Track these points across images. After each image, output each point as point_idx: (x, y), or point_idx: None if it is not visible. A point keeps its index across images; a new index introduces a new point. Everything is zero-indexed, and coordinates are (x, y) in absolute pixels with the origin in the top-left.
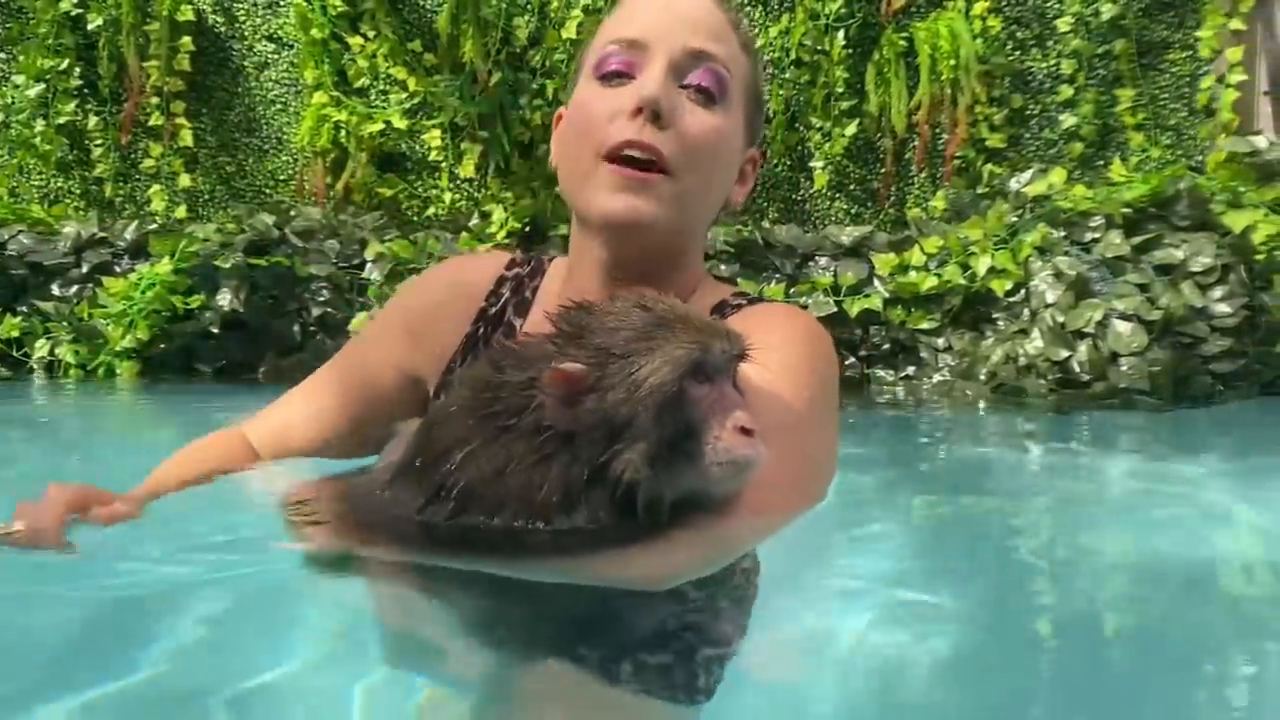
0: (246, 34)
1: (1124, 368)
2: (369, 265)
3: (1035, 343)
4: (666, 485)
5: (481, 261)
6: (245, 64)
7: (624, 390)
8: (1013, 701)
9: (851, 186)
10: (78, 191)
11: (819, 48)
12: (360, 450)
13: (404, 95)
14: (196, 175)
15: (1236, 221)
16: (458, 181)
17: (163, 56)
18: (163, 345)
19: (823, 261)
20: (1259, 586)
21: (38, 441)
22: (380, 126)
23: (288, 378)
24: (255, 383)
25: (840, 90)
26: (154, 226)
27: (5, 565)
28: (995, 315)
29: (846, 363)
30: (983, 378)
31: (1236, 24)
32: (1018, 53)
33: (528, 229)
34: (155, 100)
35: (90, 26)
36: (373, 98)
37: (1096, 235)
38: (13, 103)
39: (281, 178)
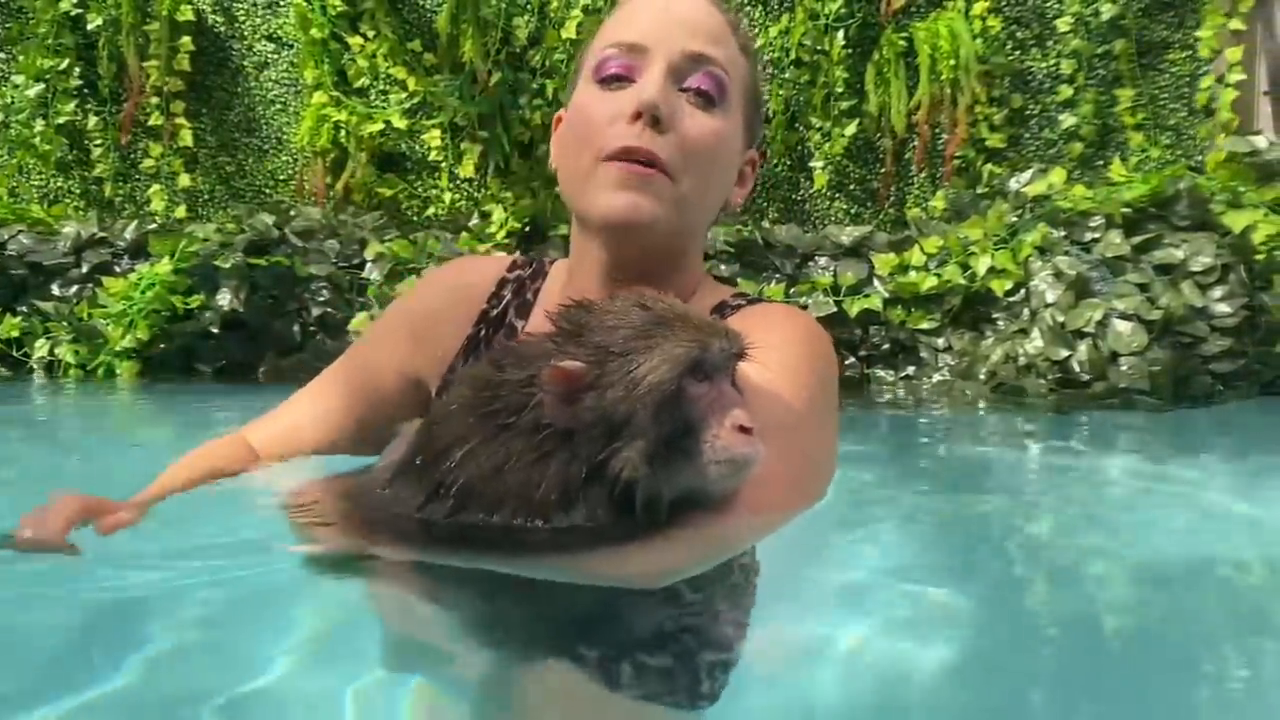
0: (246, 34)
1: (1124, 367)
2: (369, 265)
3: (1035, 342)
4: (665, 483)
5: (483, 264)
6: (245, 64)
7: (623, 388)
8: (1013, 701)
9: (851, 186)
10: (77, 191)
11: (819, 48)
12: (365, 449)
13: (404, 95)
14: (196, 175)
15: (1236, 221)
16: (458, 181)
17: (162, 56)
18: (163, 345)
19: (823, 261)
20: (1259, 586)
21: (37, 441)
22: (380, 126)
23: (288, 378)
24: (255, 383)
25: (840, 90)
26: (154, 226)
27: (2, 567)
28: (995, 315)
29: (846, 363)
30: (983, 377)
31: (1236, 24)
32: (1017, 53)
33: (528, 229)
34: (155, 100)
35: (90, 26)
36: (373, 98)
37: (1096, 235)
38: (12, 103)
39: (281, 178)
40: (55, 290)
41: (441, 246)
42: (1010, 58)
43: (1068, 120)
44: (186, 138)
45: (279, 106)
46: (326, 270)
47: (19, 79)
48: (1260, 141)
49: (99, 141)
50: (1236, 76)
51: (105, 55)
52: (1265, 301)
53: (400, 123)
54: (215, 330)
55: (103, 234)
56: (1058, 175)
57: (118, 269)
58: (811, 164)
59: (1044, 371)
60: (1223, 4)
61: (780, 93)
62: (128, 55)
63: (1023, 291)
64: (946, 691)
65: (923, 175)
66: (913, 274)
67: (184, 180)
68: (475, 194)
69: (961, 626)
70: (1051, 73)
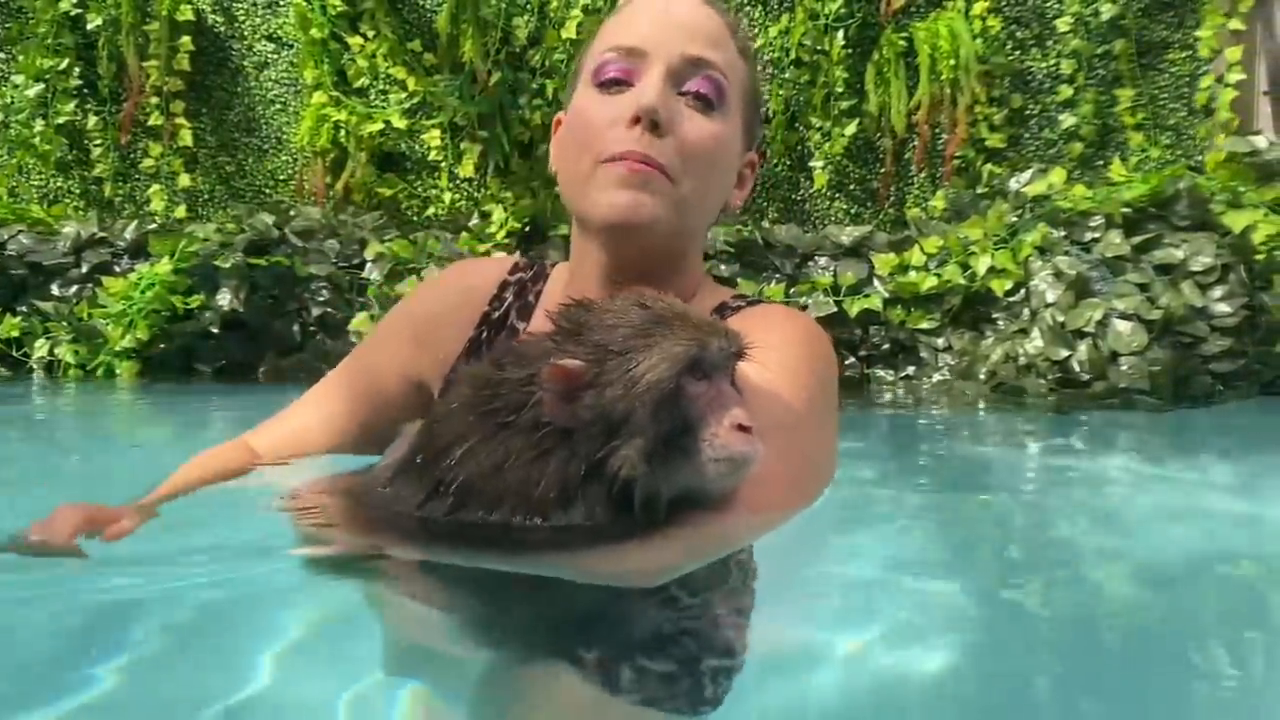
0: (246, 34)
1: (1124, 367)
2: (369, 265)
3: (1035, 342)
4: (663, 481)
5: (485, 266)
6: (245, 64)
7: (622, 386)
8: (1013, 701)
9: (851, 186)
10: (77, 191)
11: (819, 48)
12: (369, 450)
13: (404, 95)
14: (196, 175)
15: (1236, 221)
16: (457, 181)
17: (162, 56)
18: (162, 345)
19: (822, 261)
20: (1259, 585)
21: (37, 441)
22: (380, 126)
23: (288, 378)
24: (255, 383)
25: (840, 90)
26: (154, 226)
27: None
28: (995, 315)
29: (846, 363)
30: (982, 377)
31: (1236, 24)
32: (1017, 53)
33: (527, 229)
34: (155, 100)
35: (90, 26)
36: (372, 97)
37: (1096, 235)
38: (12, 102)
39: (281, 178)
40: (55, 290)
41: (441, 246)
42: (1010, 58)
43: (1068, 120)
44: (186, 138)
45: (279, 106)
46: (326, 270)
47: (19, 79)
48: (1260, 141)
49: (99, 141)
50: (1236, 76)
51: (105, 55)
52: (1265, 301)
53: (400, 123)
54: (215, 330)
55: (103, 234)
56: (1058, 175)
57: (118, 269)
58: (811, 164)
59: (1044, 371)
60: (1222, 4)
61: (780, 93)
62: (127, 55)
63: (1023, 291)
64: (946, 691)
65: (923, 175)
66: (913, 274)
67: (184, 180)
68: (475, 194)
69: (961, 626)
70: (1051, 73)
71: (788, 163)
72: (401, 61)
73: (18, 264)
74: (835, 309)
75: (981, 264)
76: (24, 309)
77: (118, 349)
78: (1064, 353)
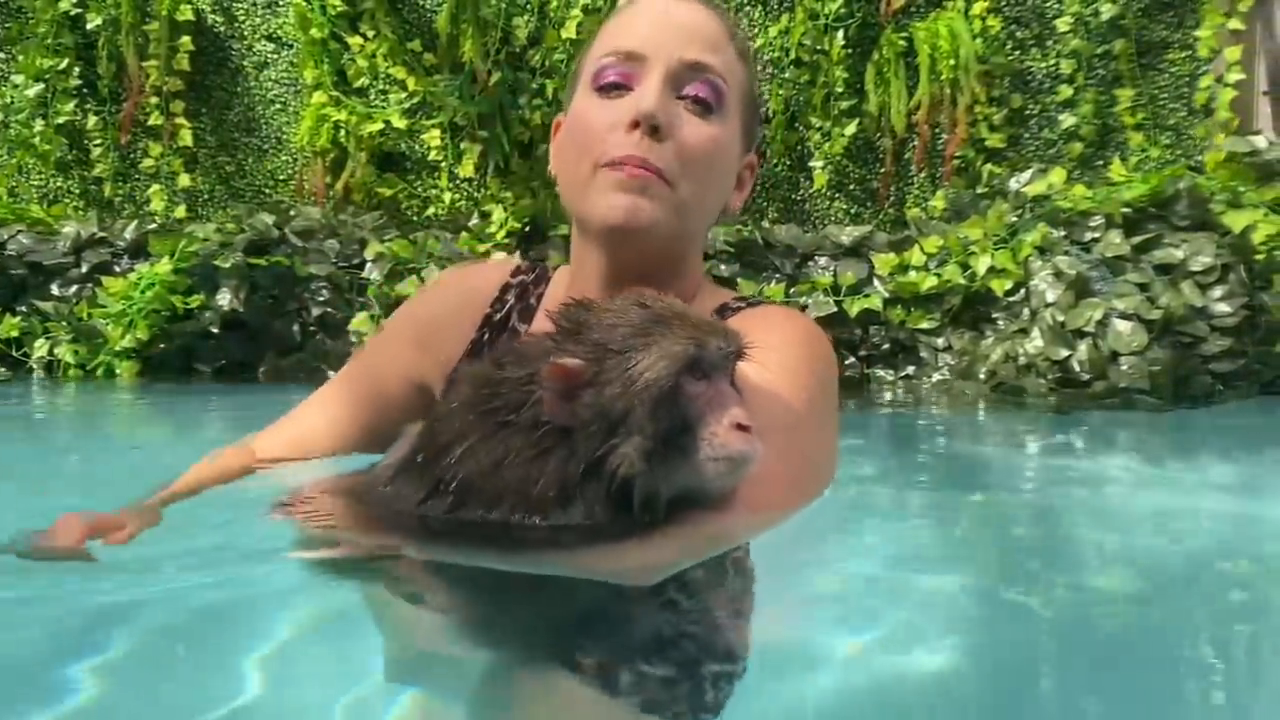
0: (246, 34)
1: (1124, 367)
2: (369, 265)
3: (1035, 342)
4: (662, 480)
5: (487, 269)
6: (245, 64)
7: (621, 385)
8: (1013, 700)
9: (851, 186)
10: (77, 191)
11: (818, 47)
12: (373, 451)
13: (403, 95)
14: (196, 175)
15: (1236, 221)
16: (457, 181)
17: (162, 56)
18: (162, 345)
19: (822, 261)
20: (1259, 585)
21: (37, 441)
22: (380, 126)
23: (288, 378)
24: (255, 383)
25: (840, 90)
26: (153, 226)
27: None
28: (995, 315)
29: (846, 362)
30: (982, 377)
31: (1235, 24)
32: (1017, 53)
33: (527, 229)
34: (155, 100)
35: (90, 26)
36: (372, 97)
37: (1096, 235)
38: (12, 102)
39: (281, 177)
40: (55, 290)
41: (441, 246)
42: (1010, 58)
43: (1067, 120)
44: (186, 138)
45: (279, 106)
46: (326, 270)
47: (19, 79)
48: (1260, 141)
49: (99, 141)
50: (1236, 76)
51: (105, 55)
52: (1265, 301)
53: (400, 123)
54: (215, 330)
55: (102, 234)
56: (1058, 175)
57: (117, 269)
58: (811, 164)
59: (1044, 371)
60: (1222, 4)
61: (780, 93)
62: (127, 55)
63: (1023, 291)
64: (946, 691)
65: (922, 175)
66: (912, 274)
67: (184, 180)
68: (475, 194)
69: (961, 626)
70: (1051, 73)
71: (787, 163)
72: (401, 61)
73: (17, 264)
74: (835, 309)
75: (981, 264)
76: (24, 309)
77: (118, 349)
78: (1064, 352)
